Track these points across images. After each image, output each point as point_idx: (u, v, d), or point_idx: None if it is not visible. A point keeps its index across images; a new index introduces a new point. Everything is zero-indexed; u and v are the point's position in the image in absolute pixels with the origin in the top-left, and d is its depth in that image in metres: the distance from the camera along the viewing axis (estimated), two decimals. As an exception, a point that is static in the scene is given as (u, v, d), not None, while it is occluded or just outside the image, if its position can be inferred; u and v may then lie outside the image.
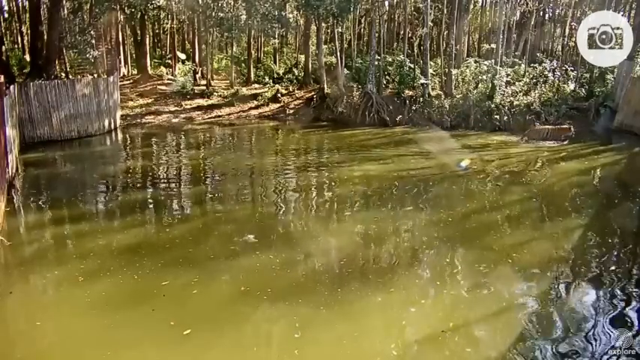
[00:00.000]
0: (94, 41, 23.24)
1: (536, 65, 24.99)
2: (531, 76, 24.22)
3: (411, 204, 11.25)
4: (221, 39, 33.21)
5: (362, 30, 36.58)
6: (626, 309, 6.70)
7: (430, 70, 24.63)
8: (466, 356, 5.69)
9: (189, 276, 7.17)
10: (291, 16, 26.79)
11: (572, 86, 24.11)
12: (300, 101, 25.54)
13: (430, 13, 25.57)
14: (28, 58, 26.06)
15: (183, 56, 32.09)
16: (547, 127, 19.83)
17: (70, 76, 23.19)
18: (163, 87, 25.84)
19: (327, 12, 22.48)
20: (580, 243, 9.07)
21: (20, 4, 30.31)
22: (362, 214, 10.78)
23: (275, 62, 33.25)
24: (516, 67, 25.56)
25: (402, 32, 31.88)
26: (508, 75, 23.89)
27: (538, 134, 19.17)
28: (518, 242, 9.02)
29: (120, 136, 19.44)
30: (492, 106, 22.07)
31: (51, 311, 6.44)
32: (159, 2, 23.83)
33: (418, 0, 28.33)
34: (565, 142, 18.58)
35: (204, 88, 25.63)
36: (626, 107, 21.20)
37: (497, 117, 21.72)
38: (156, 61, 32.27)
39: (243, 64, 30.74)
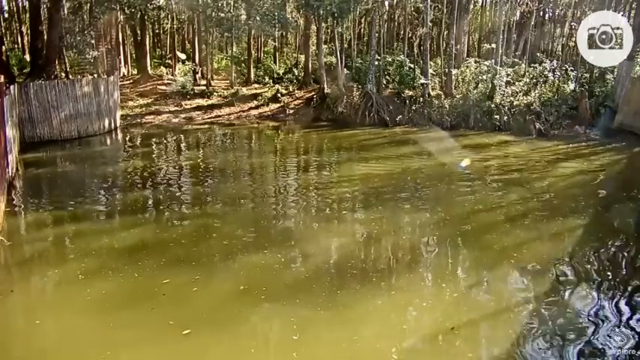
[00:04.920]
0: (93, 41, 23.27)
1: (536, 65, 24.97)
2: (531, 76, 24.20)
3: (411, 204, 11.24)
4: (221, 39, 33.24)
5: (362, 30, 36.59)
6: (627, 308, 6.70)
7: (430, 70, 24.62)
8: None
9: (189, 275, 7.17)
10: (289, 16, 26.77)
11: (572, 86, 24.09)
12: (300, 101, 25.54)
13: (430, 13, 25.57)
14: (28, 58, 26.08)
15: (183, 56, 32.10)
16: None
17: (70, 76, 23.18)
18: (163, 87, 25.84)
19: (326, 12, 22.49)
20: (580, 243, 9.07)
21: (20, 4, 30.35)
22: (362, 214, 10.78)
23: (275, 62, 33.25)
24: (516, 67, 25.54)
25: (402, 32, 31.88)
26: (508, 75, 23.87)
27: None
28: (518, 242, 9.00)
29: (120, 136, 19.43)
30: (492, 106, 22.06)
31: (51, 310, 6.45)
32: (159, 2, 23.85)
33: (418, 0, 28.32)
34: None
35: (204, 88, 25.62)
36: (626, 107, 21.19)
37: (497, 117, 21.72)
38: (156, 61, 32.28)
39: (243, 64, 30.74)
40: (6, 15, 31.34)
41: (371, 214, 10.55)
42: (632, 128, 20.15)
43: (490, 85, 22.90)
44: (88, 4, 25.31)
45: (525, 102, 22.28)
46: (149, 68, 28.99)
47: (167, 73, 29.22)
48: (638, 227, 10.28)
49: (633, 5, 27.60)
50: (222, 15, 24.62)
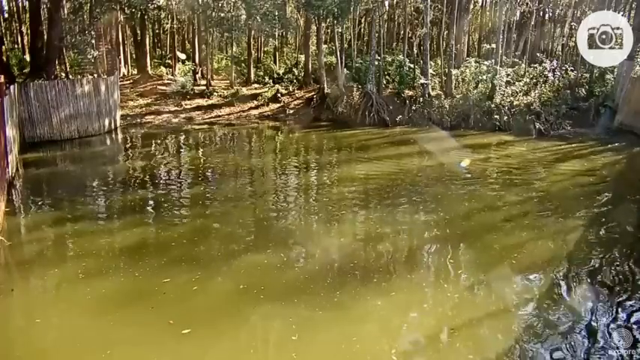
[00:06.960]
0: (94, 41, 23.21)
1: (536, 65, 24.98)
2: (531, 76, 24.20)
3: (411, 204, 11.24)
4: (221, 39, 33.22)
5: (362, 30, 36.56)
6: (626, 308, 6.70)
7: (430, 70, 24.61)
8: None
9: (189, 274, 7.17)
10: (289, 16, 26.74)
11: (571, 86, 24.08)
12: (300, 101, 25.52)
13: (430, 13, 25.56)
14: (28, 58, 26.05)
15: (183, 56, 32.06)
16: None
17: (70, 76, 23.16)
18: (163, 87, 25.82)
19: (327, 12, 22.48)
20: (580, 243, 9.06)
21: (20, 4, 30.31)
22: (362, 214, 10.77)
23: (275, 62, 33.23)
24: (516, 67, 25.53)
25: (402, 32, 31.87)
26: (508, 75, 23.84)
27: None
28: (519, 242, 9.01)
29: (120, 136, 19.43)
30: (492, 106, 22.06)
31: (51, 309, 6.46)
32: (159, 2, 23.80)
33: (418, 0, 28.31)
34: None
35: (204, 88, 25.61)
36: (626, 107, 21.19)
37: (497, 117, 21.71)
38: (156, 61, 32.26)
39: (243, 64, 30.72)
40: (6, 15, 31.32)
41: (371, 214, 10.55)
42: (632, 128, 20.15)
43: (490, 85, 22.89)
44: (88, 4, 25.27)
45: (525, 102, 22.28)
46: (149, 68, 28.98)
47: (167, 73, 29.21)
48: (638, 227, 10.28)
49: (633, 5, 27.57)
50: (222, 15, 24.63)
